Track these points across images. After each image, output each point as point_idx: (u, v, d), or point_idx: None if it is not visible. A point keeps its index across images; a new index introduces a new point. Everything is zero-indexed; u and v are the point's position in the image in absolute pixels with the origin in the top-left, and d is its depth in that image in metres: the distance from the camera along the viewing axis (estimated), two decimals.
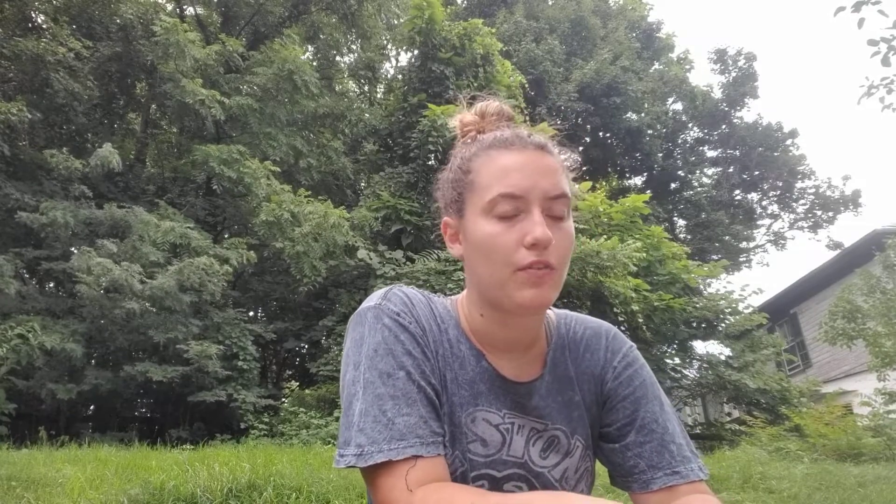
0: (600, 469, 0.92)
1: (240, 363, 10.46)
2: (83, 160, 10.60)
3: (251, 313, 14.60)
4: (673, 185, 24.28)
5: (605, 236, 10.29)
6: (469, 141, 0.88)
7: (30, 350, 8.40)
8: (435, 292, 0.97)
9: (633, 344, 0.95)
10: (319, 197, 12.26)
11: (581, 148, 23.44)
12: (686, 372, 12.03)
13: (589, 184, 13.52)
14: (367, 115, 16.91)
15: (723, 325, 11.67)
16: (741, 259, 24.89)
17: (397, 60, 20.51)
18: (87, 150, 12.71)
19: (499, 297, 0.79)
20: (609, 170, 24.23)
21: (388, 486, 0.70)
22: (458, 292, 0.93)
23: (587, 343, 0.92)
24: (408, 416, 0.73)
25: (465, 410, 0.82)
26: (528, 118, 14.74)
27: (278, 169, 12.10)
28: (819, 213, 23.90)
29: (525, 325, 0.84)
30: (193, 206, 12.76)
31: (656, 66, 24.50)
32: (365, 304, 0.85)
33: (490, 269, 0.78)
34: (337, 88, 17.22)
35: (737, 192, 24.64)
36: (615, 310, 9.97)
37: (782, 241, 25.04)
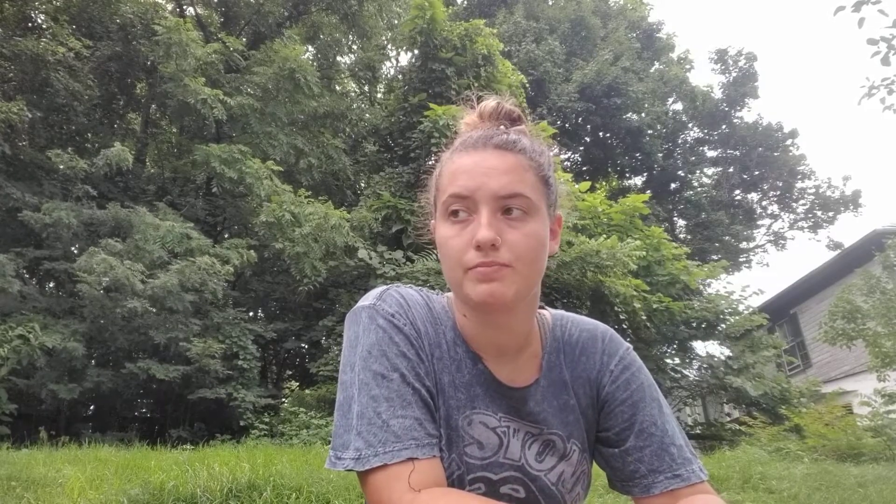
0: (599, 470, 0.92)
1: (240, 363, 10.45)
2: (87, 160, 10.61)
3: (251, 313, 14.59)
4: (673, 185, 24.30)
5: (604, 236, 10.30)
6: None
7: (30, 350, 8.39)
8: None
9: (629, 346, 0.94)
10: (320, 197, 12.25)
11: (581, 148, 23.47)
12: (686, 372, 12.03)
13: (588, 184, 13.53)
14: (367, 115, 16.91)
15: (723, 325, 11.67)
16: (741, 259, 24.91)
17: (397, 60, 20.53)
18: (87, 150, 12.71)
19: (461, 297, 0.80)
20: (609, 170, 24.25)
21: (385, 488, 0.70)
22: None
23: (583, 346, 0.91)
24: (403, 417, 0.73)
25: (462, 413, 0.81)
26: (528, 118, 14.70)
27: (280, 168, 12.09)
28: (819, 213, 23.92)
29: (505, 325, 0.83)
30: (193, 206, 12.75)
31: (656, 66, 24.52)
32: (361, 302, 0.84)
33: (448, 270, 0.80)
34: (337, 88, 17.22)
35: (737, 192, 24.67)
36: (615, 308, 9.97)
37: (782, 242, 25.09)
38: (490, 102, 0.89)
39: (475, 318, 0.83)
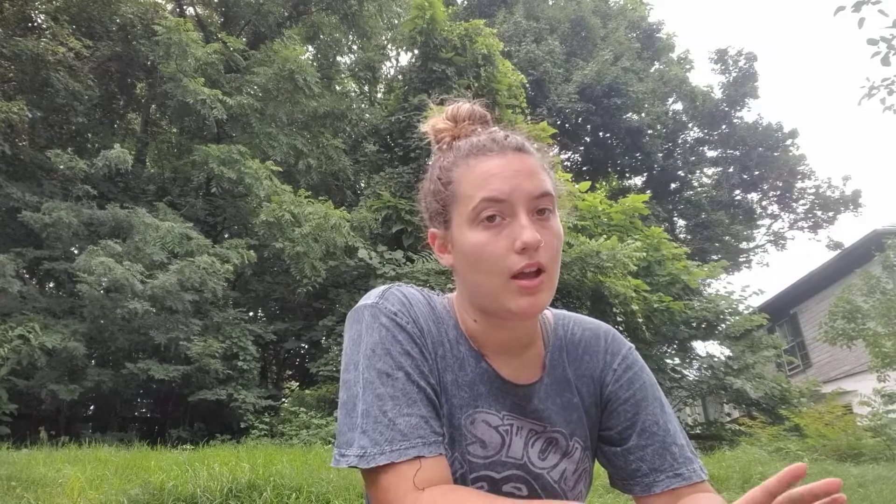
0: (599, 469, 0.92)
1: (240, 363, 10.45)
2: (87, 160, 10.61)
3: (251, 313, 14.58)
4: (673, 185, 24.29)
5: (604, 236, 10.30)
6: (445, 148, 0.88)
7: (30, 350, 8.39)
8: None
9: (631, 345, 0.94)
10: (320, 197, 12.25)
11: (581, 148, 23.46)
12: (686, 372, 12.03)
13: (588, 184, 13.53)
14: (367, 115, 16.91)
15: (723, 325, 11.66)
16: (741, 259, 24.91)
17: (397, 60, 20.53)
18: (87, 150, 12.72)
19: (493, 306, 0.79)
20: (609, 170, 24.25)
21: (391, 487, 0.70)
22: None
23: (586, 345, 0.91)
24: (409, 416, 0.73)
25: (465, 412, 0.82)
26: (528, 118, 14.74)
27: (280, 168, 12.09)
28: (819, 213, 23.90)
29: (519, 328, 0.84)
30: (193, 206, 12.75)
31: (656, 66, 24.51)
32: (362, 301, 0.84)
33: (482, 278, 0.78)
34: (337, 88, 17.22)
35: (737, 192, 24.65)
36: (615, 309, 9.98)
37: (782, 242, 25.06)
38: (463, 105, 0.90)
39: (491, 323, 0.83)
